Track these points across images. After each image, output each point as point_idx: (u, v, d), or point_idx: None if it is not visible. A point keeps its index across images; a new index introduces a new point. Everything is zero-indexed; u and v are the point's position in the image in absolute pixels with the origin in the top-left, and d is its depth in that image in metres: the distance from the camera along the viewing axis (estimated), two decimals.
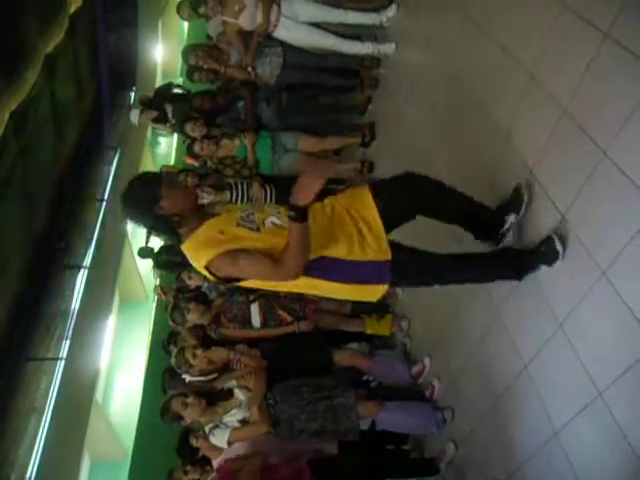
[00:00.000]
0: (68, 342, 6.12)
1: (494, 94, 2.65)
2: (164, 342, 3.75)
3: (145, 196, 1.91)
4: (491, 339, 2.62)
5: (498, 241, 2.23)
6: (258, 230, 1.94)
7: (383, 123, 4.29)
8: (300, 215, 1.80)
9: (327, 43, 3.99)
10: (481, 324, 2.67)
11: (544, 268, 2.11)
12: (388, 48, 3.99)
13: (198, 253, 1.88)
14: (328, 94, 4.71)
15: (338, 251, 1.97)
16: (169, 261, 4.30)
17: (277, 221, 1.97)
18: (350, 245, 1.98)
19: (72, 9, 7.15)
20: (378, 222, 2.03)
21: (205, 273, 1.91)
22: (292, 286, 2.00)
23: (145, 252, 4.58)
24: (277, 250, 1.88)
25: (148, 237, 2.14)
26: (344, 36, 4.03)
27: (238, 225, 1.93)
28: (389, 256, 2.00)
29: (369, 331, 3.65)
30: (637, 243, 1.74)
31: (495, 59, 2.58)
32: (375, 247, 2.00)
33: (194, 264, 1.93)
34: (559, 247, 2.02)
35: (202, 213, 2.02)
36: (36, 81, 5.83)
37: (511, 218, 2.18)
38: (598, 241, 1.91)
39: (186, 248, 1.92)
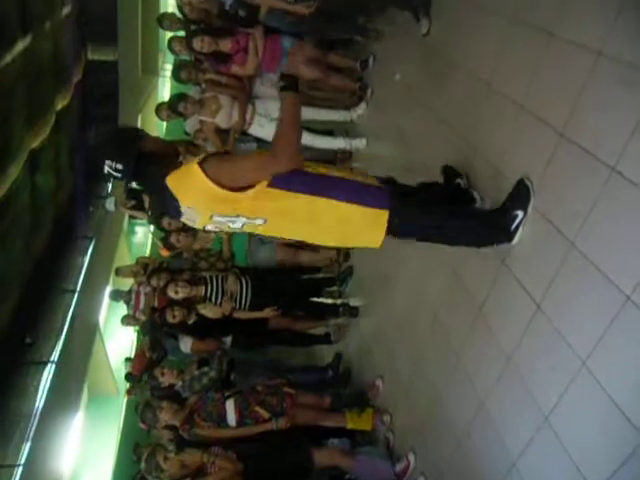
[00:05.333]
0: (29, 445, 5.71)
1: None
2: (135, 446, 3.52)
3: (128, 134, 1.92)
4: (477, 432, 2.52)
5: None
6: None
7: None
8: (291, 84, 1.80)
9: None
10: (466, 416, 2.59)
11: (521, 234, 2.15)
12: (359, 143, 4.18)
13: (188, 165, 1.78)
14: None
15: (339, 173, 1.99)
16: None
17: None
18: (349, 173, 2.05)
19: (60, 106, 7.42)
20: None
21: (198, 175, 1.74)
22: (293, 214, 1.90)
23: (132, 378, 4.43)
24: None
25: (128, 189, 1.96)
26: (317, 132, 4.21)
27: None
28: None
29: (350, 426, 3.50)
30: (613, 332, 1.75)
31: (461, 153, 2.71)
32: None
33: (187, 181, 1.78)
34: (528, 182, 2.10)
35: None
36: (18, 175, 5.90)
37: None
38: (575, 331, 1.92)
39: (171, 177, 1.81)
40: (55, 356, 6.88)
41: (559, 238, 1.98)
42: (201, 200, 1.82)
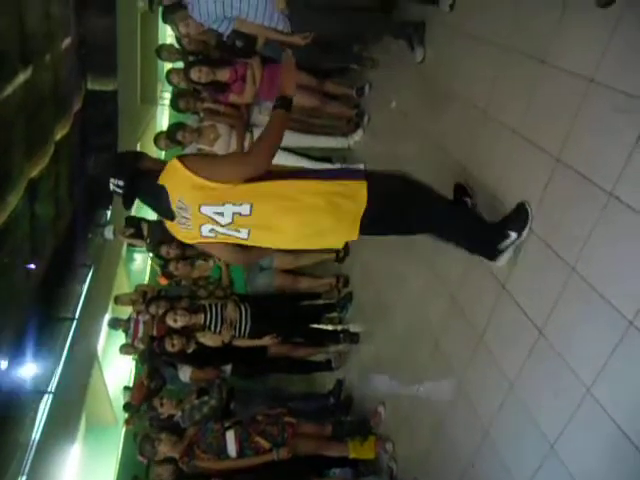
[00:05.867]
0: (24, 478, 5.61)
1: None
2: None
3: (130, 155, 2.17)
4: (482, 461, 2.48)
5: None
6: None
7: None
8: (286, 103, 1.92)
9: (299, 165, 4.19)
10: (470, 444, 2.54)
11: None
12: None
13: (174, 164, 1.91)
14: None
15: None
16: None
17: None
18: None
19: (59, 136, 7.49)
20: None
21: (178, 167, 1.88)
22: (277, 195, 1.95)
23: (131, 408, 4.39)
24: None
25: (127, 200, 2.09)
26: (315, 159, 4.25)
27: None
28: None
29: (352, 455, 3.44)
30: (617, 358, 1.73)
31: (458, 179, 2.72)
32: None
33: (171, 175, 1.92)
34: (528, 207, 2.12)
35: None
36: (17, 204, 5.92)
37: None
38: (578, 357, 1.90)
39: (161, 176, 1.95)
40: (53, 386, 6.80)
41: (559, 263, 1.97)
42: (185, 190, 1.92)
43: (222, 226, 1.98)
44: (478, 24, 2.68)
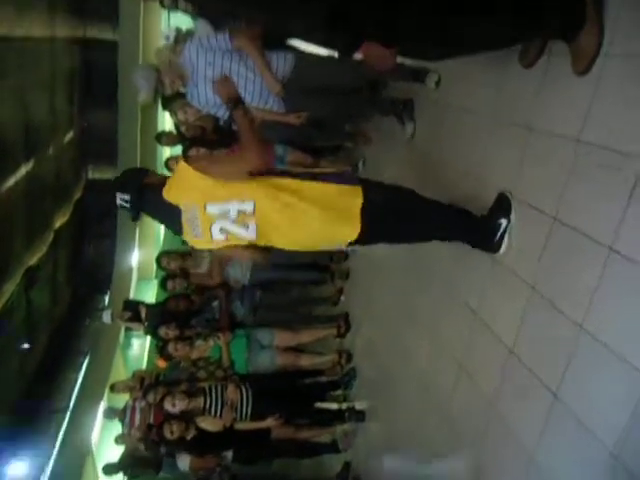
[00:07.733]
0: None
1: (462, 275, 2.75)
2: None
3: (134, 171, 2.33)
4: None
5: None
6: None
7: (356, 312, 4.34)
8: (233, 104, 2.08)
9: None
10: None
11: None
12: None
13: (181, 166, 2.09)
14: (300, 288, 4.84)
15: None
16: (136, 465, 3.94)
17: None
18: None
19: (58, 224, 7.60)
20: None
21: (185, 168, 2.05)
22: (278, 192, 2.07)
23: (111, 468, 4.20)
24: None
25: (134, 214, 2.21)
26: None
27: None
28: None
29: None
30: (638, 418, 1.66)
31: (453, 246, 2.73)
32: None
33: (177, 180, 2.11)
34: (508, 194, 2.27)
35: None
36: (13, 292, 5.89)
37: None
38: (597, 419, 1.81)
39: (165, 187, 2.12)
40: None
41: (566, 322, 1.94)
42: (190, 190, 2.08)
43: (231, 222, 2.10)
44: (464, 98, 2.81)
